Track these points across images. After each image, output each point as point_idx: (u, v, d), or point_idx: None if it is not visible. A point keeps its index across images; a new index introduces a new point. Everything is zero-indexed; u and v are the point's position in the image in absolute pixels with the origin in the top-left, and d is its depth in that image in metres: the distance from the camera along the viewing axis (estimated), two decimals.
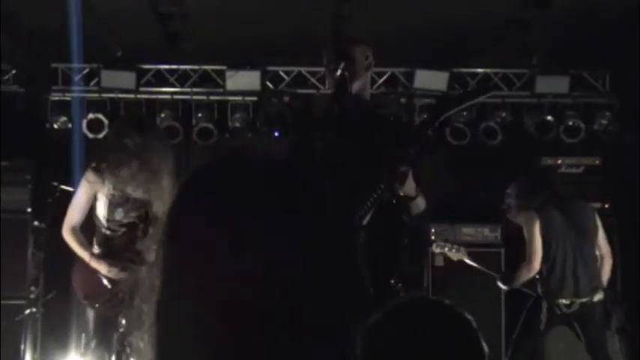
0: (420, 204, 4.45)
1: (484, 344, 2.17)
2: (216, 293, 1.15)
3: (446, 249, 7.30)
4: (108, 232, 5.78)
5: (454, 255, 7.27)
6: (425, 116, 8.30)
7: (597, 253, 6.80)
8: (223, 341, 1.14)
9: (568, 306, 6.59)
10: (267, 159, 1.27)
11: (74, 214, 5.84)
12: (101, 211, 5.80)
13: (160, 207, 5.59)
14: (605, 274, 6.81)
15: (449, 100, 4.48)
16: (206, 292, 1.15)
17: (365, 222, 4.39)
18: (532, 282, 6.77)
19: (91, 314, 5.95)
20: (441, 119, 4.17)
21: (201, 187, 1.23)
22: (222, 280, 1.15)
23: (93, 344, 5.76)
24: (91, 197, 5.82)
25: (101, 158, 5.87)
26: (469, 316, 2.18)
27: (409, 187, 4.31)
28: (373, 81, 8.98)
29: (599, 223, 6.84)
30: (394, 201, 4.35)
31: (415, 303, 2.34)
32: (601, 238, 6.82)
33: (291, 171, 1.26)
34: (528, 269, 6.68)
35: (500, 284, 7.01)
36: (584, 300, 6.58)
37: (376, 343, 2.09)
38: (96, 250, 5.78)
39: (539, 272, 6.69)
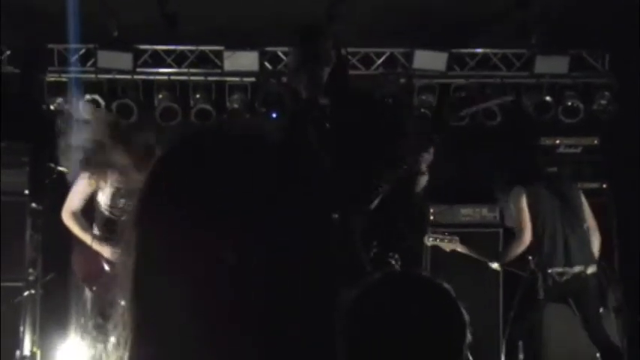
0: (425, 178, 4.51)
1: (464, 312, 2.19)
2: (197, 277, 1.13)
3: (438, 240, 7.34)
4: (111, 216, 5.78)
5: (447, 245, 7.32)
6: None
7: (585, 226, 6.87)
8: (203, 328, 1.13)
9: (560, 275, 6.64)
10: (256, 135, 1.22)
11: (75, 200, 5.84)
12: (103, 197, 5.79)
13: None
14: (596, 245, 6.88)
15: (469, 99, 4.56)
16: (179, 273, 1.13)
17: (373, 206, 4.42)
18: (522, 260, 6.83)
19: (88, 296, 5.96)
20: (461, 114, 4.25)
21: (174, 165, 1.20)
22: (195, 263, 1.12)
23: (90, 325, 5.77)
24: (93, 187, 5.82)
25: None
26: (447, 286, 2.20)
27: (426, 159, 4.39)
28: (372, 61, 8.97)
29: (583, 198, 7.00)
30: (407, 174, 4.40)
31: (392, 277, 2.37)
32: (587, 212, 6.90)
33: (283, 150, 1.22)
34: (519, 242, 6.78)
35: (492, 265, 7.06)
36: (576, 270, 6.64)
37: (356, 319, 2.10)
38: (96, 232, 5.77)
39: (531, 246, 6.74)
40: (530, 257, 6.80)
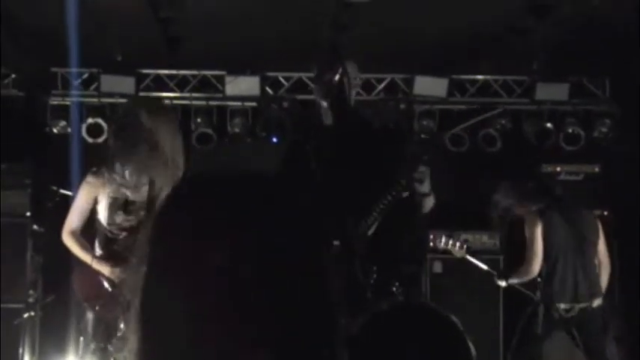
0: (431, 201, 4.51)
1: (471, 345, 2.17)
2: (198, 296, 1.17)
3: (450, 246, 7.29)
4: (110, 235, 5.77)
5: (458, 252, 7.25)
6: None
7: (596, 260, 6.81)
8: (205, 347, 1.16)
9: (567, 311, 6.59)
10: (253, 174, 1.28)
11: (74, 218, 5.82)
12: (102, 214, 5.79)
13: None
14: (603, 282, 6.82)
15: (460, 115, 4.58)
16: (188, 294, 1.17)
17: (370, 232, 4.42)
18: (531, 284, 6.78)
19: (90, 317, 5.94)
20: (453, 131, 4.27)
21: (182, 203, 1.25)
22: (203, 283, 1.17)
23: (92, 347, 5.75)
24: (91, 201, 5.80)
25: (100, 162, 5.85)
26: (455, 319, 2.19)
27: (426, 185, 4.39)
28: (372, 87, 9.00)
29: (600, 230, 6.86)
30: (408, 198, 4.42)
31: (399, 308, 2.35)
32: (601, 246, 6.82)
33: (278, 187, 1.27)
34: (526, 272, 6.70)
35: (498, 282, 7.01)
36: (583, 305, 6.58)
37: (362, 347, 2.10)
38: (98, 252, 5.77)
39: (539, 276, 6.69)
40: (538, 280, 6.73)
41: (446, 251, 7.44)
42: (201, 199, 1.24)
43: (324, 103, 4.75)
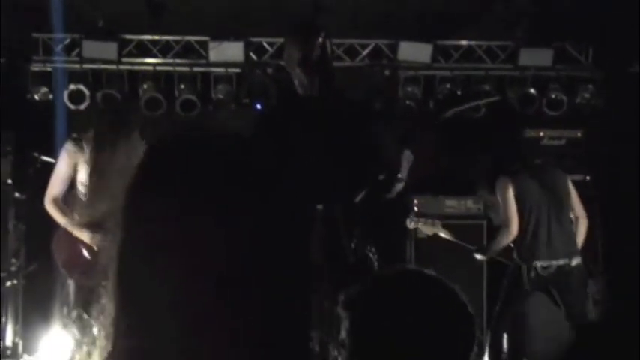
0: (400, 186, 4.54)
1: (473, 314, 2.16)
2: (179, 268, 1.16)
3: (420, 223, 7.33)
4: (88, 200, 5.77)
5: (429, 229, 7.31)
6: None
7: (572, 216, 6.87)
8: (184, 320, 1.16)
9: (545, 268, 6.64)
10: (226, 135, 1.27)
11: (56, 186, 5.83)
12: (82, 180, 5.78)
13: None
14: (581, 235, 6.89)
15: (458, 98, 4.57)
16: (169, 265, 1.16)
17: (358, 199, 4.44)
18: (506, 250, 6.82)
19: (72, 286, 5.95)
20: (449, 114, 4.28)
21: (156, 167, 1.24)
22: (185, 254, 1.16)
23: (74, 315, 5.76)
24: (72, 168, 5.80)
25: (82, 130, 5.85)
26: (455, 287, 2.17)
27: (404, 170, 4.41)
28: (357, 53, 8.98)
29: (571, 186, 6.95)
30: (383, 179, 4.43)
31: (400, 275, 2.33)
32: (574, 200, 6.90)
33: (256, 150, 1.26)
34: (506, 234, 6.74)
35: (477, 256, 7.06)
36: (560, 262, 6.64)
37: (362, 315, 2.08)
38: (77, 219, 5.77)
39: (514, 237, 6.74)
40: (513, 246, 6.79)
41: (416, 229, 7.48)
42: (174, 163, 1.22)
43: (300, 74, 4.70)
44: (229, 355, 1.15)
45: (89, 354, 5.64)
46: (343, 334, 2.10)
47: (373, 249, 4.78)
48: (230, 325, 1.15)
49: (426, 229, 7.32)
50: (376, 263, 4.79)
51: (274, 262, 1.19)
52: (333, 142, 4.55)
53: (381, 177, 4.48)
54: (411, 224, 7.39)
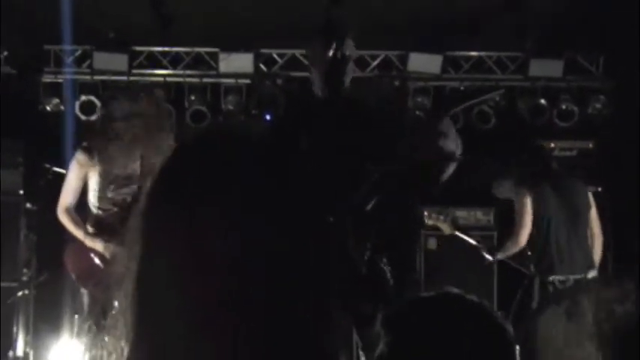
0: (452, 167, 4.45)
1: (513, 343, 2.11)
2: (194, 272, 1.15)
3: (439, 222, 7.30)
4: (100, 213, 5.77)
5: (446, 227, 7.27)
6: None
7: (589, 231, 6.83)
8: (201, 325, 1.15)
9: (562, 282, 6.60)
10: (252, 137, 1.27)
11: (67, 196, 5.83)
12: (93, 189, 5.79)
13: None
14: (597, 252, 6.84)
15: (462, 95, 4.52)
16: (184, 270, 1.16)
17: (369, 207, 4.41)
18: (523, 257, 6.78)
19: (85, 296, 5.94)
20: (456, 110, 4.23)
21: (183, 165, 1.24)
22: (200, 258, 1.15)
23: (87, 326, 5.75)
24: (82, 177, 5.80)
25: (91, 138, 5.85)
26: (508, 325, 2.10)
27: (454, 143, 4.30)
28: (366, 63, 8.98)
29: (592, 201, 6.88)
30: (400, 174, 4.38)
31: (444, 298, 2.26)
32: (593, 216, 6.84)
33: (277, 150, 1.26)
34: (514, 242, 6.70)
35: (485, 255, 7.02)
36: (577, 277, 6.59)
37: (400, 337, 2.05)
38: (90, 229, 5.76)
39: (532, 250, 6.70)
40: (529, 254, 6.74)
41: (434, 227, 7.45)
42: (193, 170, 1.21)
43: (318, 77, 4.70)
44: None
45: None
46: (379, 352, 2.08)
47: (385, 260, 4.75)
48: (249, 339, 1.14)
49: (444, 227, 7.29)
50: (389, 274, 4.75)
51: (294, 268, 1.19)
52: (347, 145, 4.52)
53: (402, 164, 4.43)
54: (430, 220, 7.36)
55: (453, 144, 4.40)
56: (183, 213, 1.18)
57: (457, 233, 7.24)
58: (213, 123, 8.68)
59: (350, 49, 4.66)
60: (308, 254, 1.20)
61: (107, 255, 5.65)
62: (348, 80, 4.68)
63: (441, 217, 7.27)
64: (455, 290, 2.13)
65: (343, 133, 4.57)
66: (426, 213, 7.39)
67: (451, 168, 4.57)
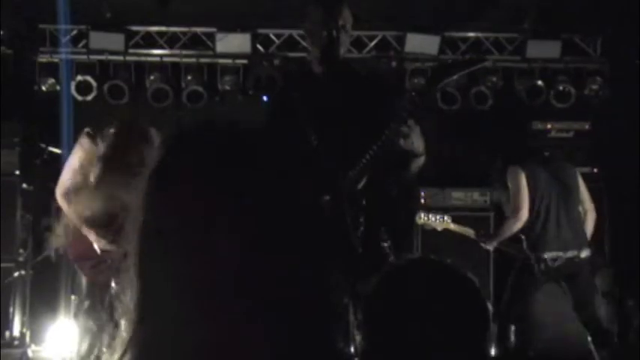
0: (422, 161, 4.42)
1: (488, 304, 2.16)
2: (196, 258, 1.16)
3: (430, 220, 7.31)
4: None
5: (438, 225, 7.28)
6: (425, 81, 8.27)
7: (580, 208, 6.85)
8: (204, 312, 1.16)
9: (554, 259, 6.62)
10: (244, 127, 1.27)
11: (68, 178, 5.77)
12: (95, 175, 5.75)
13: None
14: (590, 228, 6.87)
15: (448, 67, 4.44)
16: (186, 256, 1.17)
17: (360, 186, 4.38)
18: (515, 241, 6.80)
19: (83, 277, 5.93)
20: (441, 85, 4.17)
21: (182, 153, 1.24)
22: (202, 244, 1.16)
23: (85, 306, 5.75)
24: (86, 162, 5.76)
25: (97, 128, 5.80)
26: (472, 276, 2.16)
27: (418, 144, 4.28)
28: (364, 44, 8.96)
29: (580, 179, 6.93)
30: (395, 157, 4.34)
31: (416, 264, 2.32)
32: (584, 193, 6.88)
33: (272, 136, 1.27)
34: (515, 220, 6.71)
35: (484, 245, 7.03)
36: (570, 255, 6.62)
37: (378, 305, 2.08)
38: (87, 213, 5.73)
39: (524, 228, 6.71)
40: (522, 237, 6.77)
41: (426, 225, 7.46)
42: (192, 156, 1.22)
43: (315, 51, 4.66)
44: (249, 346, 1.15)
45: (104, 343, 5.61)
46: (358, 321, 2.11)
47: (386, 238, 4.70)
48: (248, 317, 1.15)
49: (436, 224, 7.30)
50: (390, 253, 4.70)
51: (297, 249, 1.19)
52: (346, 118, 4.49)
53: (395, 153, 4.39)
54: (420, 220, 7.37)
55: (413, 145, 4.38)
56: (182, 200, 1.19)
57: (451, 228, 7.24)
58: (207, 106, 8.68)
59: (346, 19, 4.60)
60: (305, 236, 1.21)
61: (101, 247, 5.62)
62: (343, 50, 4.63)
63: (431, 217, 7.28)
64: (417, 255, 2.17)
65: (340, 107, 4.53)
66: (417, 214, 7.40)
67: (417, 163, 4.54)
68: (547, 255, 6.63)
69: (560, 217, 6.71)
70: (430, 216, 7.29)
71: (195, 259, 1.16)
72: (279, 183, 1.21)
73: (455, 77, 4.38)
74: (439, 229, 7.32)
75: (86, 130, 5.81)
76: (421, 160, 4.42)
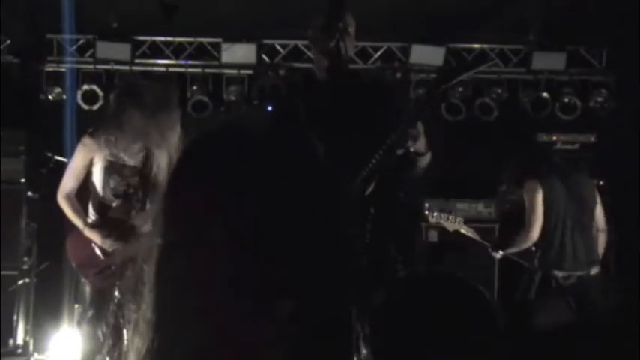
0: (427, 159, 4.41)
1: (497, 315, 2.15)
2: (215, 263, 1.18)
3: (442, 220, 7.28)
4: (104, 201, 5.74)
5: (450, 225, 7.25)
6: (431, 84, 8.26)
7: (593, 226, 6.82)
8: (220, 310, 1.17)
9: (565, 279, 6.58)
10: (256, 129, 1.30)
11: (69, 180, 5.77)
12: (97, 177, 5.74)
13: (162, 173, 5.56)
14: (601, 247, 6.82)
15: (452, 70, 4.44)
16: (205, 261, 1.18)
17: (368, 192, 4.37)
18: (527, 253, 6.76)
19: (87, 285, 5.93)
20: (444, 87, 4.16)
21: (200, 158, 1.26)
22: (222, 249, 1.18)
23: (89, 315, 5.73)
24: (87, 163, 5.74)
25: (99, 126, 5.81)
26: (482, 288, 2.14)
27: (421, 143, 4.29)
28: (369, 55, 8.98)
29: (597, 196, 6.86)
30: (403, 157, 4.33)
31: (426, 277, 2.31)
32: (598, 212, 6.82)
33: (281, 138, 1.29)
34: (526, 237, 6.64)
35: (493, 253, 6.99)
36: (580, 273, 6.57)
37: (387, 318, 2.07)
38: (92, 217, 5.73)
39: (537, 243, 6.67)
40: (534, 249, 6.71)
41: (439, 224, 7.44)
42: (211, 162, 1.24)
43: (319, 59, 4.65)
44: (254, 349, 1.17)
45: (108, 352, 5.60)
46: (365, 334, 2.11)
47: (395, 250, 4.67)
48: (267, 326, 1.17)
49: (448, 224, 7.27)
50: (399, 262, 4.67)
51: (317, 258, 1.22)
52: (351, 124, 4.48)
53: (399, 152, 4.37)
54: (433, 219, 7.34)
55: (421, 146, 4.38)
56: (203, 204, 1.21)
57: (462, 230, 7.21)
58: (219, 119, 8.69)
59: (348, 22, 4.59)
60: (309, 239, 1.23)
61: (106, 248, 5.62)
62: (349, 54, 4.63)
63: (443, 215, 7.25)
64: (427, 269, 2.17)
65: (345, 114, 4.53)
66: (428, 212, 7.38)
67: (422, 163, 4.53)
68: (558, 273, 6.57)
69: (575, 236, 6.62)
70: (442, 215, 7.26)
71: (219, 260, 1.18)
72: (284, 187, 1.22)
73: (461, 78, 4.36)
74: (450, 229, 7.29)
75: (89, 130, 5.82)
76: (427, 158, 4.41)
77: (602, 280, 6.84)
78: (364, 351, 4.63)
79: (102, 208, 5.73)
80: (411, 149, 4.25)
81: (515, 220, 6.97)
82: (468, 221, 8.17)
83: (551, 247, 6.63)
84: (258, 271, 1.17)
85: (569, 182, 6.77)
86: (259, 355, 1.17)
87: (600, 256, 6.80)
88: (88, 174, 5.75)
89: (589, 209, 6.75)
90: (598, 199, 6.84)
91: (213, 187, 1.21)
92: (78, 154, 5.76)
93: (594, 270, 6.61)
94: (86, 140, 5.73)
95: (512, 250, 6.80)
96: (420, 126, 4.22)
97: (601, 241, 6.84)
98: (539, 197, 6.62)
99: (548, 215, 6.64)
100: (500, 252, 6.97)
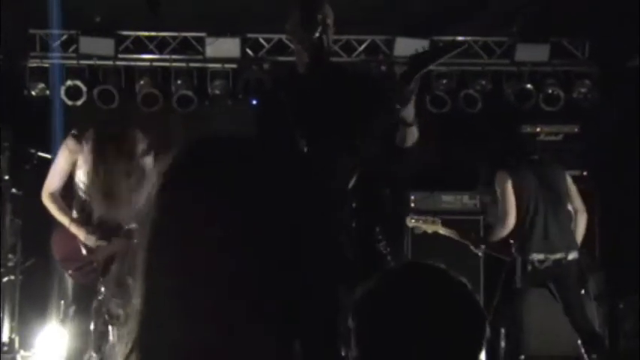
0: (415, 133, 4.40)
1: (482, 308, 2.14)
2: (203, 267, 1.19)
3: (420, 221, 7.33)
4: (87, 199, 5.75)
5: (429, 227, 7.30)
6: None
7: (571, 208, 6.87)
8: (207, 314, 1.18)
9: (541, 261, 6.63)
10: (238, 139, 1.31)
11: (54, 180, 5.80)
12: (81, 177, 5.76)
13: (148, 173, 5.59)
14: (581, 229, 6.88)
15: (426, 54, 4.41)
16: (193, 265, 1.19)
17: (350, 185, 4.37)
18: (508, 246, 6.81)
19: (70, 281, 5.94)
20: (421, 73, 4.14)
21: (186, 168, 1.28)
22: (209, 254, 1.19)
23: (72, 311, 5.74)
24: (70, 164, 5.78)
25: (83, 128, 5.83)
26: (464, 280, 2.14)
27: (409, 111, 4.25)
28: (353, 48, 8.97)
29: (570, 180, 6.96)
30: (387, 146, 4.32)
31: (408, 269, 2.30)
32: (574, 194, 6.91)
33: (264, 146, 1.30)
34: (503, 226, 6.75)
35: (474, 249, 7.07)
36: (557, 256, 6.63)
37: (370, 311, 2.07)
38: (75, 215, 5.75)
39: (513, 231, 6.73)
40: (512, 241, 6.78)
41: (416, 228, 7.48)
42: (200, 170, 1.26)
43: (299, 52, 4.64)
44: (248, 348, 1.18)
45: (93, 348, 5.61)
46: (350, 325, 2.10)
47: (383, 242, 4.65)
48: (255, 325, 1.18)
49: (426, 226, 7.31)
50: (387, 254, 4.65)
51: (307, 260, 1.23)
52: (334, 118, 4.47)
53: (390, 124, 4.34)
54: (411, 222, 7.38)
55: (410, 116, 4.35)
56: (191, 213, 1.22)
57: (441, 231, 7.25)
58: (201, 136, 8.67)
59: (326, 13, 4.57)
60: (310, 244, 1.25)
61: (90, 245, 5.65)
62: (328, 45, 4.61)
63: (421, 219, 7.30)
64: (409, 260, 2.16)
65: (328, 107, 4.51)
66: (408, 217, 7.41)
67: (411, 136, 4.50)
68: (534, 257, 6.64)
69: (547, 219, 6.72)
70: (421, 218, 7.30)
71: (211, 268, 1.19)
72: (273, 189, 1.24)
73: (435, 63, 4.33)
74: (429, 231, 7.34)
75: (72, 131, 5.83)
76: (414, 130, 4.38)
77: (586, 261, 6.90)
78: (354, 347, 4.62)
79: (85, 207, 5.75)
80: (400, 114, 4.21)
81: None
82: (453, 213, 8.22)
83: (525, 233, 6.71)
84: (248, 269, 1.18)
85: (539, 170, 6.86)
86: (250, 352, 1.17)
87: (581, 236, 6.87)
88: (72, 175, 5.77)
89: (561, 194, 6.83)
90: (570, 183, 6.94)
91: (201, 188, 1.23)
92: (62, 155, 5.79)
93: (572, 255, 6.66)
94: (70, 142, 5.74)
95: (493, 241, 6.87)
96: (413, 89, 4.16)
97: (581, 222, 6.91)
98: (509, 186, 6.71)
99: (520, 203, 6.72)
100: (482, 247, 7.05)
